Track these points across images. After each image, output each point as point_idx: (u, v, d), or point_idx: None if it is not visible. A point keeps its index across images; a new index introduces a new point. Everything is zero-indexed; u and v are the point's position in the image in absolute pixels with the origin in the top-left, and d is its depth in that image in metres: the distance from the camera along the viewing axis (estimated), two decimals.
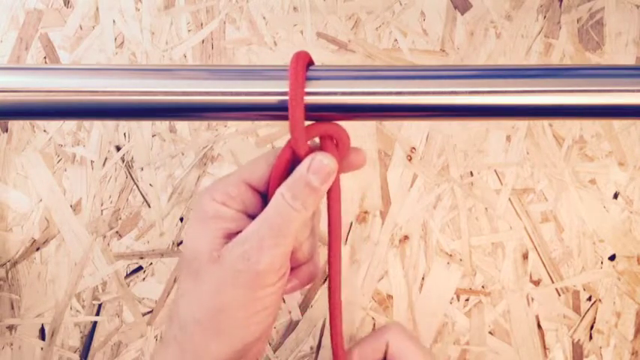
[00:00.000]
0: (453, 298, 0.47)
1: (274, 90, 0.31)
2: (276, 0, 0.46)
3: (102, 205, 0.47)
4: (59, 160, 0.47)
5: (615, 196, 0.47)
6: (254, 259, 0.29)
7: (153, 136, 0.47)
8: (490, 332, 0.48)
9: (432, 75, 0.31)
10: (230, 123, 0.47)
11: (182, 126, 0.47)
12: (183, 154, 0.47)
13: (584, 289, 0.48)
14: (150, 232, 0.47)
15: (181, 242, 0.47)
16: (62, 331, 0.47)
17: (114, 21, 0.46)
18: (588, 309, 0.48)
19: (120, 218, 0.47)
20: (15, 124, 0.47)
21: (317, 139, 0.32)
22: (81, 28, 0.47)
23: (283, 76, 0.30)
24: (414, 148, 0.47)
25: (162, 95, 0.31)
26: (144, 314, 0.48)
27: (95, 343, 0.48)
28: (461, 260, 0.47)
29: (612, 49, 0.47)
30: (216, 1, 0.46)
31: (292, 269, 0.33)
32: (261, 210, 0.31)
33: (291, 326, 0.48)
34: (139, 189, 0.47)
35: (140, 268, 0.48)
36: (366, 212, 0.47)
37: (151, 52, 0.47)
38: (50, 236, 0.47)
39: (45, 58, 0.47)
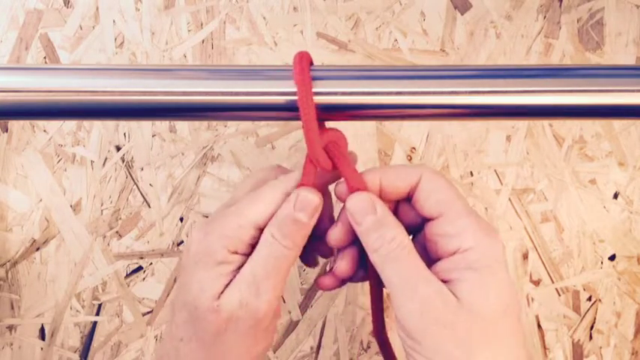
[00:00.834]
0: None
1: (280, 90, 0.31)
2: (276, 0, 0.46)
3: (102, 205, 0.47)
4: (59, 160, 0.47)
5: (615, 196, 0.47)
6: (253, 306, 0.29)
7: (153, 136, 0.47)
8: None
9: (432, 75, 0.31)
10: (230, 123, 0.47)
11: (182, 126, 0.47)
12: (183, 154, 0.47)
13: (584, 289, 0.48)
14: (150, 232, 0.47)
15: (181, 242, 0.47)
16: (62, 331, 0.47)
17: (114, 21, 0.46)
18: (588, 309, 0.48)
19: (120, 218, 0.47)
20: (15, 124, 0.47)
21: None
22: (81, 28, 0.47)
23: (286, 76, 0.31)
24: (414, 148, 0.47)
25: (162, 95, 0.31)
26: (144, 314, 0.48)
27: (95, 343, 0.48)
28: None
29: (612, 49, 0.47)
30: (216, 1, 0.46)
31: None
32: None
33: (291, 326, 0.48)
34: (138, 189, 0.47)
35: (140, 268, 0.48)
36: None
37: (150, 52, 0.47)
38: (50, 236, 0.47)
39: (45, 58, 0.47)
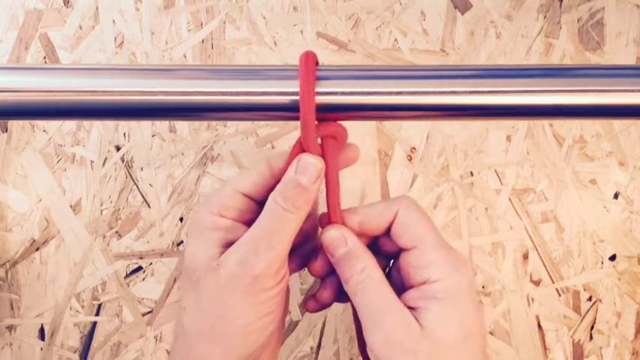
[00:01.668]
0: None
1: (284, 90, 0.31)
2: (276, 0, 0.46)
3: (102, 205, 0.47)
4: (59, 160, 0.47)
5: (615, 196, 0.47)
6: (250, 264, 0.29)
7: (153, 136, 0.47)
8: (490, 332, 0.48)
9: (432, 75, 0.31)
10: (230, 123, 0.47)
11: (182, 126, 0.47)
12: (183, 154, 0.47)
13: (585, 289, 0.48)
14: (150, 232, 0.47)
15: (181, 242, 0.47)
16: (62, 331, 0.47)
17: (114, 21, 0.46)
18: (589, 309, 0.48)
19: (120, 218, 0.47)
20: (15, 124, 0.47)
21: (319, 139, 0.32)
22: (81, 28, 0.47)
23: (291, 76, 0.31)
24: (414, 148, 0.47)
25: (162, 95, 0.31)
26: (144, 314, 0.48)
27: (95, 343, 0.48)
28: None
29: (612, 49, 0.47)
30: (216, 1, 0.46)
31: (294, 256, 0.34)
32: (257, 217, 0.31)
33: (291, 326, 0.48)
34: (138, 189, 0.47)
35: (140, 268, 0.47)
36: None
37: (150, 52, 0.47)
38: (50, 236, 0.47)
39: (45, 58, 0.47)
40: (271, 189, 0.31)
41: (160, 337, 0.48)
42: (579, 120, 0.47)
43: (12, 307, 0.47)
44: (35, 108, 0.31)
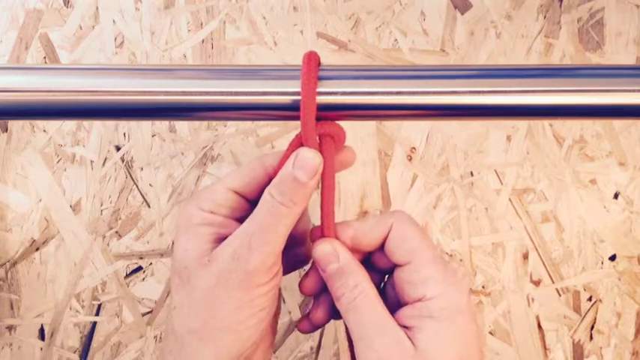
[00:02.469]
0: None
1: (284, 90, 0.31)
2: (276, 0, 0.46)
3: (101, 205, 0.47)
4: (59, 160, 0.47)
5: (616, 196, 0.47)
6: (244, 258, 0.29)
7: (153, 136, 0.47)
8: (490, 332, 0.48)
9: (435, 75, 0.31)
10: (230, 123, 0.47)
11: (182, 126, 0.47)
12: (183, 154, 0.47)
13: (585, 290, 0.48)
14: (150, 232, 0.47)
15: None
16: (62, 331, 0.47)
17: (114, 21, 0.46)
18: (589, 309, 0.48)
19: (120, 218, 0.47)
20: (15, 124, 0.47)
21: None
22: (81, 28, 0.47)
23: (293, 76, 0.31)
24: (414, 148, 0.47)
25: (162, 95, 0.31)
26: (143, 314, 0.48)
27: (95, 343, 0.48)
28: (461, 260, 0.47)
29: (612, 49, 0.47)
30: (216, 1, 0.46)
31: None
32: (249, 215, 0.30)
33: (291, 326, 0.48)
34: (138, 189, 0.47)
35: (140, 268, 0.47)
36: (366, 212, 0.47)
37: (150, 52, 0.47)
38: (50, 236, 0.47)
39: (45, 58, 0.47)
40: (264, 187, 0.31)
41: (160, 337, 0.48)
42: (579, 120, 0.47)
43: (12, 307, 0.47)
44: (35, 108, 0.31)
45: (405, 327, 0.29)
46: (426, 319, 0.29)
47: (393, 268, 0.32)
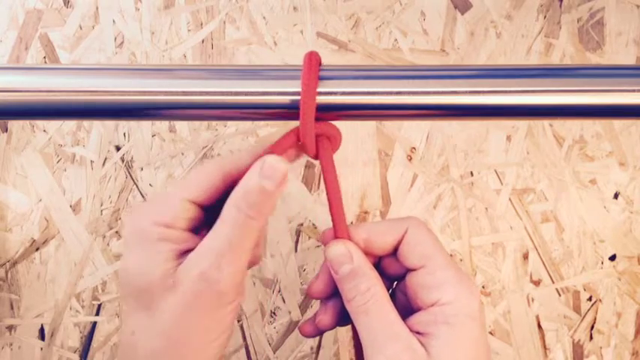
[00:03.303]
0: None
1: (284, 90, 0.31)
2: (276, 0, 0.46)
3: (102, 205, 0.47)
4: (59, 160, 0.47)
5: (616, 196, 0.47)
6: (214, 279, 0.27)
7: (153, 136, 0.47)
8: (490, 332, 0.48)
9: (435, 75, 0.31)
10: (230, 123, 0.47)
11: (182, 126, 0.47)
12: (183, 154, 0.47)
13: (585, 290, 0.48)
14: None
15: None
16: (62, 331, 0.47)
17: (114, 21, 0.46)
18: (589, 309, 0.48)
19: (120, 218, 0.47)
20: (15, 124, 0.47)
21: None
22: (81, 28, 0.47)
23: (292, 76, 0.31)
24: (414, 148, 0.47)
25: (162, 95, 0.31)
26: None
27: (95, 343, 0.47)
28: (461, 260, 0.47)
29: (612, 49, 0.47)
30: (216, 1, 0.46)
31: None
32: (206, 225, 0.29)
33: (291, 326, 0.48)
34: (138, 189, 0.47)
35: None
36: (366, 212, 0.47)
37: (150, 52, 0.47)
38: (50, 236, 0.47)
39: (45, 58, 0.47)
40: (221, 194, 0.29)
41: None
42: (579, 120, 0.47)
43: (12, 307, 0.47)
44: (35, 108, 0.31)
45: (417, 333, 0.28)
46: (442, 325, 0.28)
47: (402, 274, 0.32)
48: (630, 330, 0.48)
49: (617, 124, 0.47)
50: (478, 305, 0.29)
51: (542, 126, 0.47)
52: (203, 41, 0.47)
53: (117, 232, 0.47)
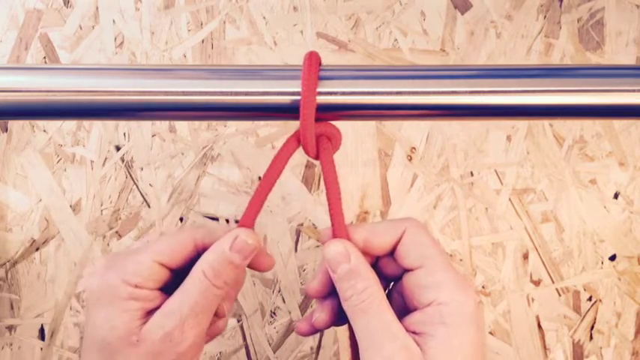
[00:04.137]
0: None
1: (284, 90, 0.31)
2: (276, 0, 0.46)
3: (102, 205, 0.47)
4: (59, 160, 0.47)
5: (616, 196, 0.47)
6: (176, 341, 0.29)
7: (153, 136, 0.47)
8: (490, 332, 0.48)
9: (435, 75, 0.31)
10: (230, 123, 0.47)
11: (182, 126, 0.47)
12: (183, 154, 0.47)
13: (585, 290, 0.48)
14: (150, 232, 0.47)
15: None
16: (62, 331, 0.47)
17: (114, 21, 0.46)
18: (589, 309, 0.48)
19: (120, 218, 0.47)
20: (15, 124, 0.47)
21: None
22: (81, 28, 0.47)
23: (292, 76, 0.31)
24: (414, 148, 0.47)
25: (162, 95, 0.31)
26: None
27: None
28: (461, 260, 0.47)
29: (612, 49, 0.47)
30: (216, 1, 0.46)
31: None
32: (174, 284, 0.30)
33: (292, 326, 0.48)
34: (138, 189, 0.47)
35: None
36: (366, 212, 0.47)
37: (150, 52, 0.47)
38: (50, 236, 0.47)
39: (45, 58, 0.47)
40: (190, 259, 0.31)
41: None
42: (579, 120, 0.47)
43: (12, 307, 0.47)
44: (35, 108, 0.31)
45: (413, 333, 0.29)
46: (438, 325, 0.28)
47: (399, 275, 0.32)
48: (630, 330, 0.48)
49: (617, 124, 0.47)
50: (475, 306, 0.29)
51: (542, 126, 0.47)
52: (203, 41, 0.47)
53: (117, 232, 0.47)
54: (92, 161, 0.47)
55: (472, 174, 0.47)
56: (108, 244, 0.47)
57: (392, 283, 0.34)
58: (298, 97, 0.30)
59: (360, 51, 0.47)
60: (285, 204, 0.47)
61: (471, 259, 0.47)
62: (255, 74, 0.31)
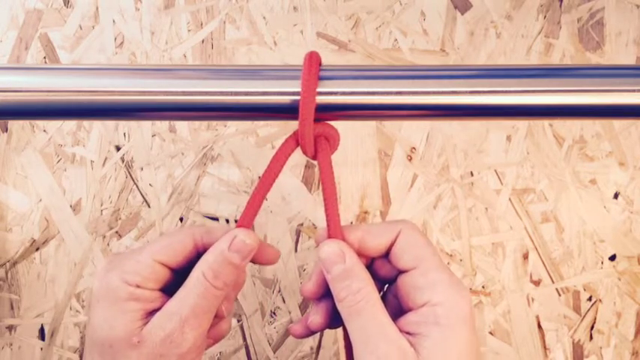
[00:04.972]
0: None
1: (284, 90, 0.31)
2: (276, 0, 0.46)
3: (102, 205, 0.47)
4: (59, 160, 0.47)
5: (615, 196, 0.47)
6: (177, 342, 0.29)
7: (153, 136, 0.47)
8: (490, 332, 0.48)
9: (435, 75, 0.31)
10: (230, 123, 0.47)
11: (182, 126, 0.47)
12: (183, 154, 0.47)
13: (585, 290, 0.48)
14: (150, 232, 0.47)
15: None
16: (62, 331, 0.47)
17: (114, 21, 0.46)
18: (589, 309, 0.48)
19: (120, 218, 0.47)
20: (15, 124, 0.47)
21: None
22: (81, 28, 0.47)
23: (292, 76, 0.31)
24: (414, 148, 0.47)
25: (162, 95, 0.31)
26: None
27: None
28: (461, 260, 0.47)
29: (612, 49, 0.47)
30: (216, 1, 0.46)
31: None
32: (175, 285, 0.30)
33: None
34: (138, 189, 0.47)
35: None
36: (366, 212, 0.47)
37: (150, 52, 0.47)
38: (50, 236, 0.47)
39: (45, 58, 0.47)
40: (190, 258, 0.31)
41: None
42: (579, 120, 0.47)
43: (12, 307, 0.47)
44: (35, 108, 0.31)
45: (407, 334, 0.29)
46: (432, 326, 0.28)
47: (393, 277, 0.32)
48: (630, 330, 0.48)
49: (617, 124, 0.47)
50: (469, 307, 0.29)
51: (542, 126, 0.47)
52: (203, 41, 0.47)
53: (117, 232, 0.47)
54: (92, 161, 0.47)
55: (472, 174, 0.47)
56: (108, 244, 0.47)
57: (387, 286, 0.34)
58: (298, 97, 0.30)
59: (360, 51, 0.47)
60: (285, 204, 0.47)
61: (471, 259, 0.47)
62: (255, 74, 0.31)
